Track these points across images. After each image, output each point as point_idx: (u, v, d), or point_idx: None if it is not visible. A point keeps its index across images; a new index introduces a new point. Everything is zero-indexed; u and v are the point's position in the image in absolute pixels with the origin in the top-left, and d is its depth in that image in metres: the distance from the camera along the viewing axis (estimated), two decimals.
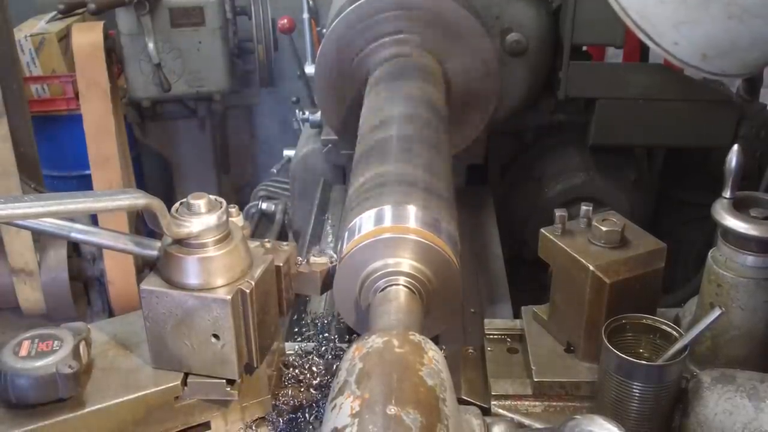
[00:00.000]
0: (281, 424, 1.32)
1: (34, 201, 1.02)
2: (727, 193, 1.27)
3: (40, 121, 3.42)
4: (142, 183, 4.26)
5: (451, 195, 1.55)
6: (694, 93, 2.54)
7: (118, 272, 2.63)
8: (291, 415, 1.34)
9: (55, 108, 3.96)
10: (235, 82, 4.29)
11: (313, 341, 1.52)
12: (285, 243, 1.33)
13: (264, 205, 4.01)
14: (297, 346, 1.50)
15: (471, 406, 1.17)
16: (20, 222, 1.20)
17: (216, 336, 1.17)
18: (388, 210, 1.37)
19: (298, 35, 3.50)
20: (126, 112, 3.98)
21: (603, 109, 2.59)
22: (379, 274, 1.30)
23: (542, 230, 1.46)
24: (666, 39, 1.58)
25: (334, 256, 1.39)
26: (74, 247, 2.65)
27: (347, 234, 1.38)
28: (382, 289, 1.28)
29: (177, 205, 1.17)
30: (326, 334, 1.53)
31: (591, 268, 1.34)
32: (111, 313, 2.72)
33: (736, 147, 1.26)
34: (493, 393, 1.41)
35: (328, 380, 1.39)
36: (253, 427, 1.31)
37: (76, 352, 1.16)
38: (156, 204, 1.09)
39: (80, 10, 3.89)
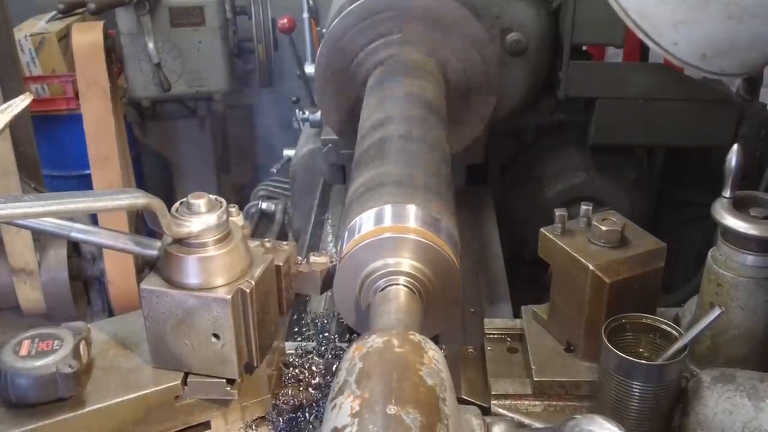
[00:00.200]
0: (281, 423, 1.32)
1: (34, 200, 1.02)
2: (726, 193, 1.27)
3: (40, 121, 3.42)
4: (142, 183, 4.26)
5: (451, 194, 1.55)
6: (694, 93, 2.54)
7: (118, 272, 2.64)
8: (291, 415, 1.34)
9: (55, 108, 3.95)
10: (235, 81, 4.29)
11: (313, 341, 1.52)
12: (285, 242, 1.33)
13: (264, 205, 4.00)
14: (297, 346, 1.50)
15: (471, 405, 1.17)
16: (20, 222, 1.20)
17: (216, 335, 1.17)
18: (388, 210, 1.37)
19: (298, 35, 3.50)
20: (126, 112, 3.98)
21: (603, 109, 2.59)
22: (379, 273, 1.30)
23: (542, 230, 1.46)
24: (665, 39, 1.58)
25: (334, 255, 1.39)
26: (74, 247, 2.65)
27: (347, 234, 1.38)
28: (382, 289, 1.28)
29: (177, 204, 1.17)
30: (326, 334, 1.53)
31: (591, 267, 1.34)
32: (111, 313, 2.72)
33: (735, 146, 1.26)
34: (493, 392, 1.41)
35: (328, 380, 1.39)
36: (253, 427, 1.31)
37: (76, 352, 1.16)
38: (156, 203, 1.09)
39: (80, 10, 3.89)
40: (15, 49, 2.69)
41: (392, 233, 1.31)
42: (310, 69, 3.15)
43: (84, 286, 2.73)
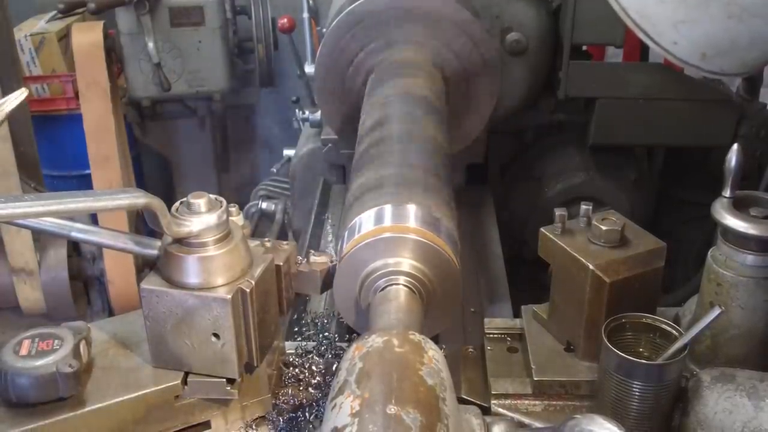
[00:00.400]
0: (281, 423, 1.32)
1: (34, 200, 1.02)
2: (726, 192, 1.27)
3: (40, 121, 3.42)
4: (142, 183, 4.26)
5: (451, 194, 1.55)
6: (694, 92, 2.54)
7: (118, 272, 2.63)
8: (291, 414, 1.34)
9: (55, 108, 3.95)
10: (235, 81, 4.29)
11: (313, 340, 1.52)
12: (285, 242, 1.33)
13: (264, 205, 4.00)
14: (297, 346, 1.50)
15: (471, 405, 1.17)
16: (20, 221, 1.20)
17: (216, 335, 1.17)
18: (388, 209, 1.37)
19: (298, 35, 3.50)
20: (126, 112, 3.98)
21: (603, 109, 2.59)
22: (379, 273, 1.30)
23: (542, 229, 1.46)
24: (665, 38, 1.58)
25: (334, 255, 1.39)
26: (74, 247, 2.65)
27: (347, 233, 1.38)
28: (382, 289, 1.28)
29: (177, 204, 1.17)
30: (326, 334, 1.53)
31: (591, 267, 1.34)
32: (111, 313, 2.72)
33: (735, 146, 1.26)
34: (493, 392, 1.41)
35: (328, 379, 1.39)
36: (254, 426, 1.31)
37: (76, 352, 1.16)
38: (156, 203, 1.09)
39: (80, 10, 3.89)
40: (15, 49, 2.68)
41: (392, 233, 1.31)
42: (310, 69, 3.15)
43: (84, 286, 2.73)
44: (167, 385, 1.20)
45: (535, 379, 1.39)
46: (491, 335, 1.55)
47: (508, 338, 1.54)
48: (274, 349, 1.35)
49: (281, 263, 1.29)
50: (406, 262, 1.30)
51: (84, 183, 3.60)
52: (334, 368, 1.41)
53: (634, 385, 1.21)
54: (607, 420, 0.95)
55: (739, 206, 1.27)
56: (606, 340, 1.24)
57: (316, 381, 1.40)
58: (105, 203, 1.07)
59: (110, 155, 2.66)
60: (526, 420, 1.36)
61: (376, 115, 1.80)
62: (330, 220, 2.59)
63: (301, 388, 1.39)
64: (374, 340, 0.99)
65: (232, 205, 1.24)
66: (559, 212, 1.43)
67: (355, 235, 1.35)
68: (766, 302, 1.27)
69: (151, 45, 3.85)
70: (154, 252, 1.20)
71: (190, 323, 1.17)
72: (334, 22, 2.16)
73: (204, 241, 1.15)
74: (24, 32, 3.94)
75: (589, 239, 1.40)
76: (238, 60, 4.33)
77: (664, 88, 2.54)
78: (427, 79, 2.02)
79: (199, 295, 1.15)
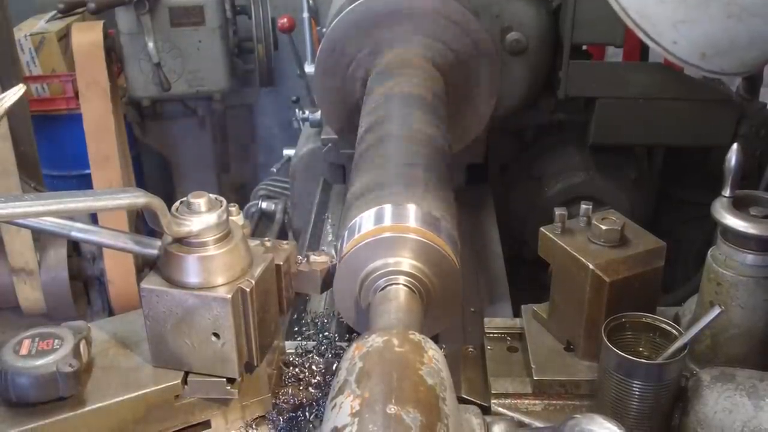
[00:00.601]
0: (281, 422, 1.32)
1: (34, 200, 1.02)
2: (726, 192, 1.27)
3: (39, 121, 3.42)
4: (142, 182, 4.26)
5: (451, 194, 1.55)
6: (694, 92, 2.54)
7: (118, 271, 2.63)
8: (291, 414, 1.34)
9: (54, 107, 3.96)
10: (235, 81, 4.29)
11: (313, 340, 1.52)
12: (285, 242, 1.33)
13: (264, 205, 4.01)
14: (297, 345, 1.50)
15: (471, 404, 1.17)
16: (20, 221, 1.20)
17: (216, 335, 1.17)
18: (388, 209, 1.37)
19: (298, 35, 3.50)
20: (126, 112, 3.99)
21: (603, 109, 2.59)
22: (379, 273, 1.30)
23: (542, 229, 1.46)
24: (665, 38, 1.58)
25: (334, 255, 1.39)
26: (74, 247, 2.65)
27: (347, 233, 1.38)
28: (382, 289, 1.28)
29: (177, 203, 1.17)
30: (326, 333, 1.53)
31: (591, 266, 1.34)
32: (111, 313, 2.72)
33: (735, 146, 1.26)
34: (493, 392, 1.41)
35: (328, 379, 1.39)
36: (254, 426, 1.31)
37: (76, 351, 1.16)
38: (156, 203, 1.09)
39: (80, 10, 3.90)
40: (15, 48, 2.69)
41: (392, 233, 1.32)
42: (310, 69, 3.16)
43: (84, 286, 2.73)
44: (167, 384, 1.20)
45: (535, 378, 1.39)
46: (491, 335, 1.55)
47: (508, 338, 1.54)
48: (274, 349, 1.35)
49: (281, 263, 1.29)
50: (406, 262, 1.30)
51: (84, 183, 3.60)
52: (334, 368, 1.41)
53: (634, 385, 1.21)
54: (607, 419, 0.95)
55: (739, 206, 1.27)
56: (606, 340, 1.24)
57: (316, 380, 1.40)
58: (105, 203, 1.07)
59: (110, 155, 2.66)
60: (526, 419, 1.36)
61: (376, 115, 1.80)
62: (330, 220, 2.59)
63: (301, 388, 1.39)
64: (374, 340, 0.99)
65: (232, 204, 1.24)
66: (559, 212, 1.43)
67: (355, 234, 1.35)
68: (766, 302, 1.27)
69: (151, 45, 3.85)
70: (154, 252, 1.20)
71: (190, 323, 1.17)
72: (333, 22, 2.16)
73: (204, 241, 1.15)
74: (24, 32, 3.94)
75: (589, 239, 1.40)
76: (238, 60, 4.33)
77: (664, 87, 2.54)
78: (427, 79, 2.02)
79: (199, 294, 1.15)
